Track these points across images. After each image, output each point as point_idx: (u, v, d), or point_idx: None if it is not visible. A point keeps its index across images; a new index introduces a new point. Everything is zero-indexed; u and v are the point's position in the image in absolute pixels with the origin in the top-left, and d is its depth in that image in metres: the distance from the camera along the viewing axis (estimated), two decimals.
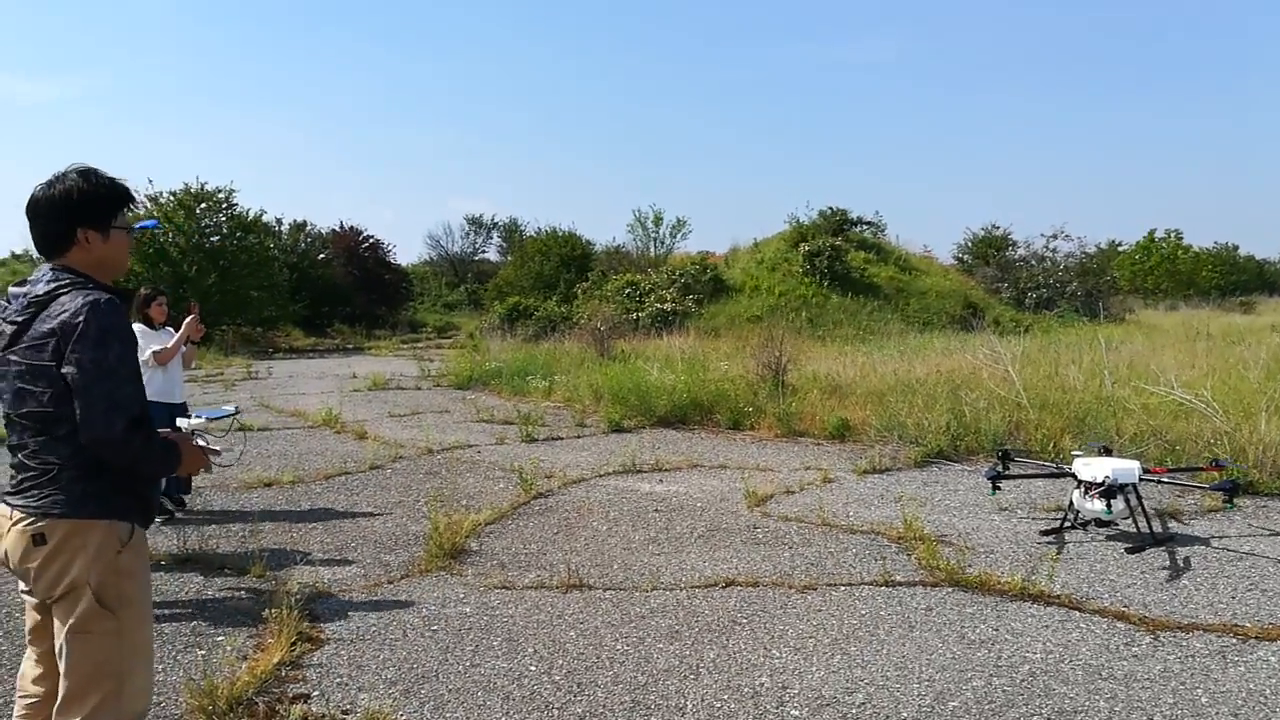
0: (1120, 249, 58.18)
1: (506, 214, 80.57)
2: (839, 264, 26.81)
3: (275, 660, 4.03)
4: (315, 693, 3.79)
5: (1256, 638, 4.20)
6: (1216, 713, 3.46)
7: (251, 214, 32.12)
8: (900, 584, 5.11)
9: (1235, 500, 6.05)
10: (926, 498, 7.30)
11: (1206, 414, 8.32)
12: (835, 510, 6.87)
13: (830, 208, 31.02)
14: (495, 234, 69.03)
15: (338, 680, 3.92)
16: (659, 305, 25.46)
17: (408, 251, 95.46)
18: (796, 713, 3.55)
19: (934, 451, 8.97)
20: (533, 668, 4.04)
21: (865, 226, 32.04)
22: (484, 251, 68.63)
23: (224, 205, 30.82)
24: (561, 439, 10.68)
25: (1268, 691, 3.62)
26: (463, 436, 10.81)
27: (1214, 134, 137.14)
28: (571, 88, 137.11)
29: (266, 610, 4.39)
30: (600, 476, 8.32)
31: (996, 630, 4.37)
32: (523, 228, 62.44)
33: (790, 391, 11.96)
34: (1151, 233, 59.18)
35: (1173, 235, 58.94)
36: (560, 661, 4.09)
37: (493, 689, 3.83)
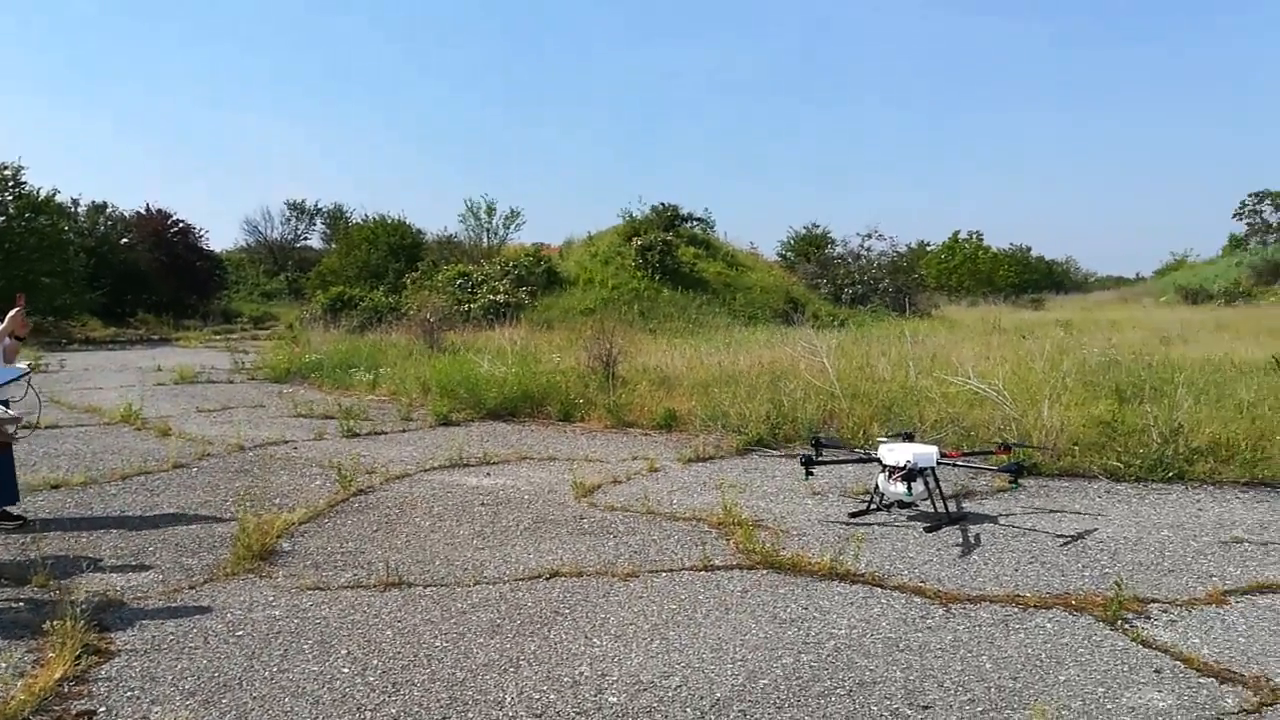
0: (928, 249, 62.39)
1: (331, 200, 77.11)
2: (670, 259, 27.33)
3: (57, 676, 3.70)
4: (102, 709, 3.51)
5: (1035, 606, 4.59)
6: (999, 676, 3.76)
7: (43, 194, 29.36)
8: (719, 568, 5.26)
9: (1020, 481, 6.59)
10: (746, 484, 7.55)
11: (998, 402, 9.01)
12: (660, 499, 7.00)
13: (662, 204, 31.62)
14: (319, 221, 66.24)
15: (128, 694, 3.64)
16: (491, 297, 25.13)
17: (223, 237, 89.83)
18: (615, 699, 3.59)
19: (754, 440, 9.30)
20: (345, 670, 3.89)
21: (695, 223, 32.84)
22: (306, 238, 65.80)
23: (9, 184, 28.03)
24: (386, 433, 10.36)
25: (1043, 656, 3.97)
26: (278, 432, 10.30)
27: (1007, 143, 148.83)
28: (408, 79, 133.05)
29: (48, 622, 4.03)
30: (425, 471, 8.13)
31: (806, 609, 4.58)
32: (349, 214, 60.23)
33: (620, 383, 12.09)
34: (955, 234, 63.70)
35: (974, 237, 63.62)
36: (375, 662, 3.97)
37: (301, 694, 3.67)
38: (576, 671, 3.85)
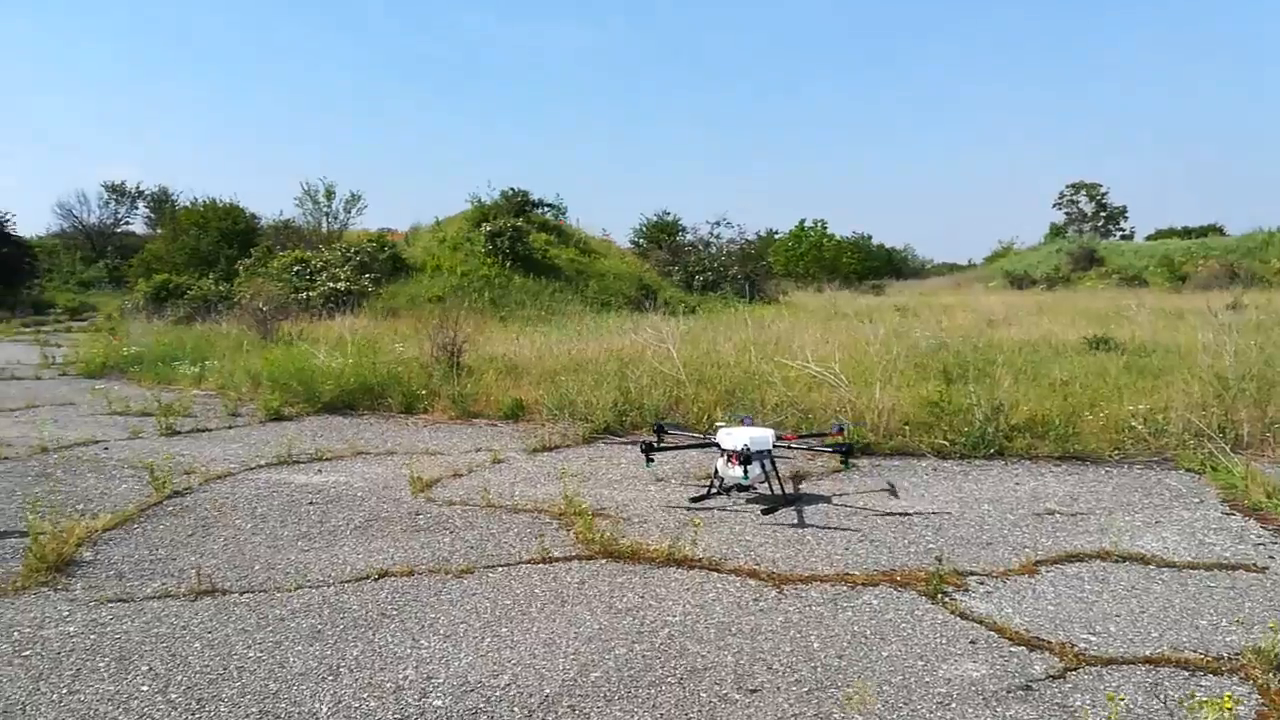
0: (776, 236, 64.23)
1: (155, 182, 72.25)
2: (521, 245, 27.00)
3: None
4: None
5: (863, 584, 4.71)
6: (825, 655, 3.82)
7: None
8: (557, 560, 5.15)
9: (851, 461, 6.79)
10: (591, 473, 7.48)
11: (835, 385, 9.30)
12: (502, 491, 6.84)
13: (512, 189, 31.19)
14: (141, 204, 62.01)
15: None
16: (331, 284, 24.13)
17: (33, 222, 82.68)
18: (439, 702, 3.43)
19: (601, 428, 9.25)
20: (145, 688, 3.57)
21: (547, 209, 32.62)
22: (128, 223, 61.47)
23: None
24: (209, 431, 9.72)
25: (868, 633, 4.06)
26: (88, 431, 9.50)
27: (855, 135, 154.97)
28: (245, 52, 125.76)
29: None
30: (250, 470, 7.65)
31: (642, 597, 4.54)
32: (175, 198, 56.62)
33: (466, 373, 11.80)
34: (801, 222, 65.79)
35: (819, 225, 65.91)
36: (180, 678, 3.66)
37: (94, 717, 3.33)
38: (400, 676, 3.66)
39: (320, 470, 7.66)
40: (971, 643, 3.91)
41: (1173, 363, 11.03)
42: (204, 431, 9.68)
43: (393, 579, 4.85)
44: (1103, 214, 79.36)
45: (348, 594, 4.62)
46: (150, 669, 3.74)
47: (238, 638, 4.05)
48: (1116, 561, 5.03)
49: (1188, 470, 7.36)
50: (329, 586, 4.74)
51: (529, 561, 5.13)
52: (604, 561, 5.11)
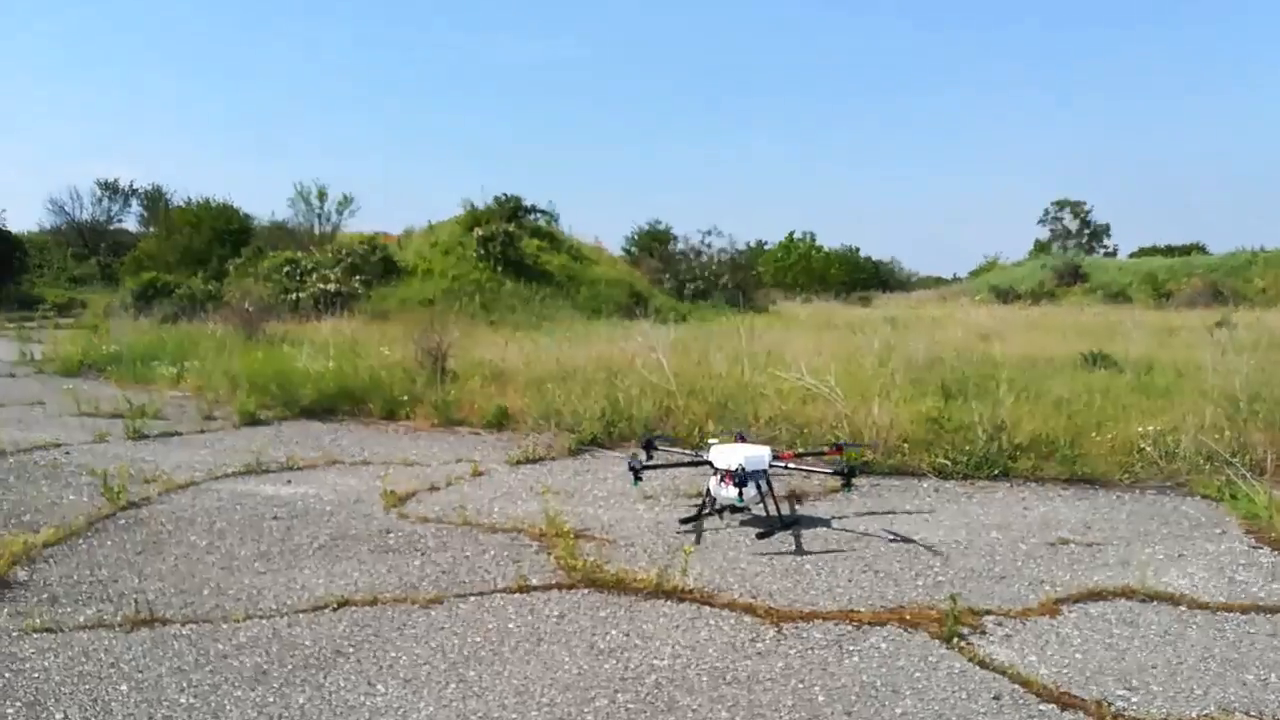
0: (765, 247, 64.12)
1: (149, 180, 71.65)
2: (513, 250, 26.59)
3: None
4: None
5: (869, 623, 4.29)
6: (832, 711, 3.41)
7: None
8: (535, 588, 4.73)
9: (853, 483, 6.39)
10: (575, 488, 7.07)
11: (830, 399, 8.89)
12: (480, 507, 6.41)
13: (505, 194, 30.75)
14: (135, 202, 61.42)
15: None
16: (322, 286, 23.67)
17: (25, 218, 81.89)
18: None
19: (588, 439, 8.84)
20: None
21: (539, 215, 32.18)
22: (121, 220, 60.84)
23: None
24: (180, 434, 9.27)
25: (879, 683, 3.65)
26: (53, 434, 9.05)
27: (840, 150, 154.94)
28: (245, 52, 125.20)
29: None
30: (216, 479, 7.21)
31: (628, 635, 4.12)
32: (169, 196, 56.06)
33: (451, 379, 11.37)
34: (791, 234, 65.66)
35: (808, 236, 65.76)
36: None
37: None
38: None
39: (290, 480, 7.22)
40: (995, 698, 3.49)
41: (1176, 382, 10.66)
42: (174, 435, 9.23)
43: (353, 609, 4.42)
44: (1087, 231, 79.46)
45: (301, 626, 4.19)
46: (66, 716, 3.31)
47: (171, 679, 3.62)
48: (1143, 601, 4.63)
49: (1204, 497, 6.97)
50: (282, 617, 4.31)
51: (504, 590, 4.71)
52: (586, 591, 4.69)
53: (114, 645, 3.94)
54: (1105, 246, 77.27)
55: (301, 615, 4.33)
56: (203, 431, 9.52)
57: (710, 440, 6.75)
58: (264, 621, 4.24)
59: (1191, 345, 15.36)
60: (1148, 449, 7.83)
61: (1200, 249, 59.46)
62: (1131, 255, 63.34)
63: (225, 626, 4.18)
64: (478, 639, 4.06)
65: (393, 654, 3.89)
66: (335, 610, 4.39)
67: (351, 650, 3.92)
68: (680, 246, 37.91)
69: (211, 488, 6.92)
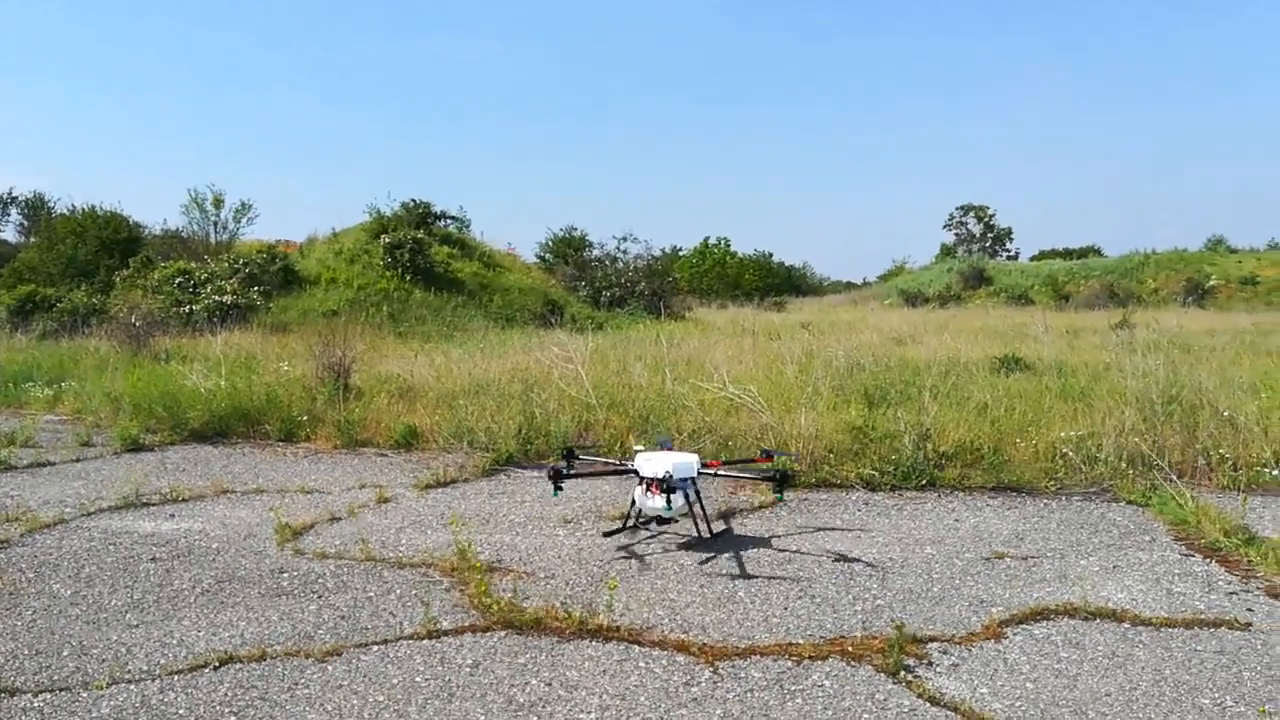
0: (681, 253, 64.24)
1: (30, 188, 67.82)
2: (422, 258, 25.81)
3: None
4: None
5: (810, 658, 3.99)
6: None
7: None
8: (447, 633, 4.29)
9: (785, 491, 6.11)
10: (490, 513, 6.62)
11: (754, 409, 8.65)
12: (385, 539, 5.92)
13: (413, 200, 29.94)
14: (15, 210, 58.05)
15: None
16: (217, 297, 22.50)
17: None
18: None
19: (504, 458, 8.39)
20: None
21: (450, 221, 31.43)
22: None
23: None
24: (52, 464, 8.46)
25: None
26: None
27: (757, 155, 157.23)
28: (132, 54, 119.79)
29: None
30: (89, 515, 6.52)
31: (549, 685, 3.72)
32: (52, 205, 53.07)
33: (355, 396, 10.75)
34: (705, 239, 65.99)
35: (723, 242, 66.19)
36: None
37: None
38: None
39: (173, 515, 6.58)
40: None
41: (1091, 385, 10.77)
42: (44, 466, 8.41)
43: (238, 666, 3.90)
44: (990, 235, 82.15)
45: (176, 691, 3.66)
46: None
47: None
48: (1086, 619, 4.45)
49: (1129, 502, 6.95)
50: (153, 680, 3.77)
51: (412, 636, 4.25)
52: (503, 634, 4.27)
53: None
54: (1008, 250, 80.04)
55: (176, 677, 3.79)
56: (78, 460, 8.71)
57: (636, 448, 6.40)
58: (132, 687, 3.70)
59: (1098, 346, 15.73)
60: (1070, 454, 7.81)
61: (1096, 251, 62.01)
62: (1032, 258, 65.74)
63: (85, 695, 3.62)
64: (381, 698, 3.60)
65: None
66: (216, 670, 3.87)
67: (233, 719, 3.42)
68: (596, 253, 37.60)
69: (83, 526, 6.24)
